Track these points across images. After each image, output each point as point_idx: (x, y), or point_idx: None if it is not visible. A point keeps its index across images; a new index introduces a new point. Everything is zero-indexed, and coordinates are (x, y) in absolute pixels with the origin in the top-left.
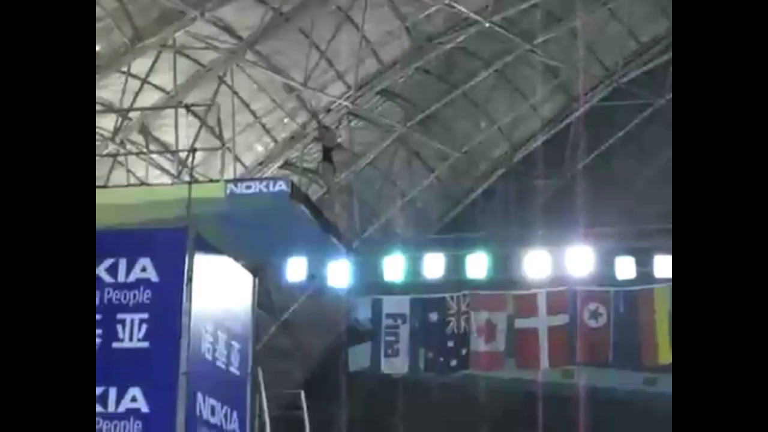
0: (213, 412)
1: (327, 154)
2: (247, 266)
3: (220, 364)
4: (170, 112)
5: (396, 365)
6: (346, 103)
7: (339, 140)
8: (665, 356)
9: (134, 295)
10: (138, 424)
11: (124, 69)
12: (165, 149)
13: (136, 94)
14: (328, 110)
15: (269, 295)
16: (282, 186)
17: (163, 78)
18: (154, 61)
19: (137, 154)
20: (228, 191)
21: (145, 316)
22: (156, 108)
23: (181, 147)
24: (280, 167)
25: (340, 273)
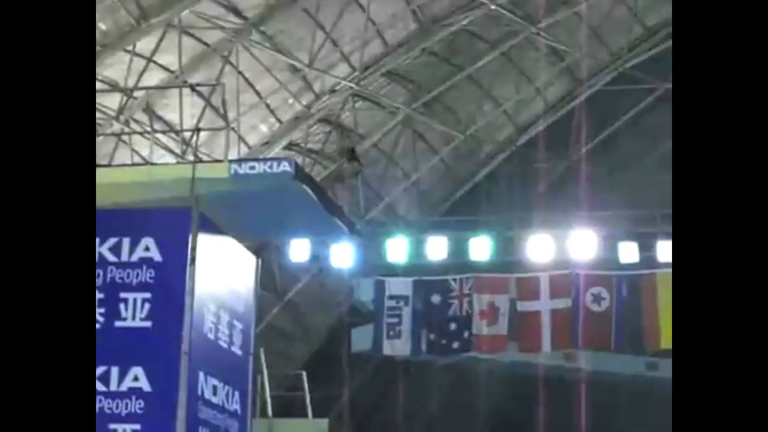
0: (215, 392)
1: (352, 155)
2: (250, 246)
3: (222, 343)
4: (175, 91)
5: (398, 347)
6: (351, 84)
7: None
8: (667, 341)
9: (137, 275)
10: (140, 403)
11: (130, 48)
12: (169, 129)
13: (141, 74)
14: (333, 91)
15: (272, 276)
16: (286, 166)
17: (169, 57)
18: (160, 41)
19: (142, 133)
20: (232, 171)
21: (148, 295)
22: (161, 87)
23: (185, 126)
24: (285, 148)
25: (343, 254)
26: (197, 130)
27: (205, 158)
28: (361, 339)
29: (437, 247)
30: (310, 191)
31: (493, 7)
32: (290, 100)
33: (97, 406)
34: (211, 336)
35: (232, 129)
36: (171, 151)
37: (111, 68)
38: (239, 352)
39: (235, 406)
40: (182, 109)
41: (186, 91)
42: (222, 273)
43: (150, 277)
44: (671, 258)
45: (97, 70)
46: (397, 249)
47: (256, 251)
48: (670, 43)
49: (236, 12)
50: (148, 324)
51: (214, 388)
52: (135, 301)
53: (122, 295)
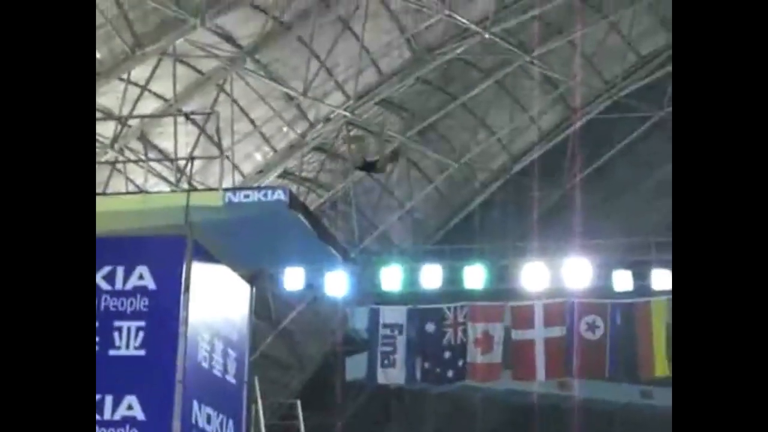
0: (209, 421)
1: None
2: (244, 275)
3: (216, 372)
4: (169, 119)
5: (392, 375)
6: (345, 113)
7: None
8: (662, 369)
9: (131, 303)
10: None
11: (124, 76)
12: (164, 157)
13: (136, 102)
14: (327, 119)
15: (267, 304)
16: (280, 195)
17: (163, 86)
18: (154, 69)
19: (136, 161)
20: (226, 200)
21: (142, 324)
22: (155, 116)
23: (179, 155)
24: (279, 176)
25: (337, 283)
26: (192, 158)
27: (199, 186)
28: (355, 367)
29: (432, 276)
30: (304, 220)
31: (487, 36)
32: (285, 129)
33: None
34: (205, 364)
35: (227, 157)
36: (165, 180)
37: (105, 96)
38: (233, 381)
39: None
40: (177, 138)
41: (180, 119)
42: (216, 301)
43: (144, 306)
44: (671, 284)
45: None
46: (391, 277)
47: (250, 279)
48: (664, 70)
49: (231, 40)
50: (142, 353)
51: (209, 416)
52: (129, 329)
53: (116, 323)
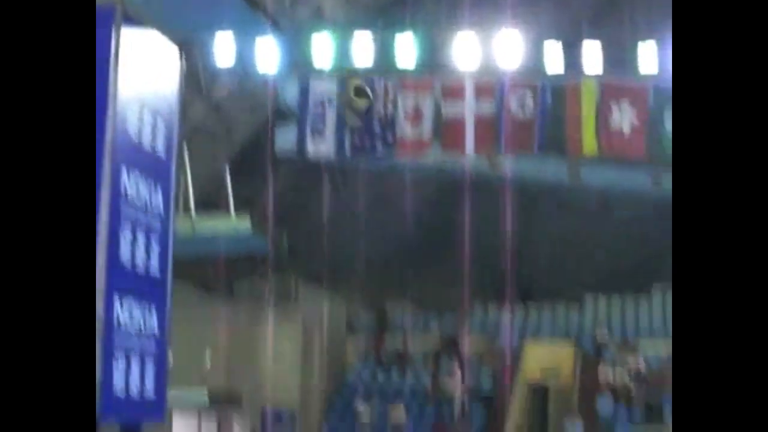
0: (138, 192)
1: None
2: (174, 43)
3: (146, 144)
4: None
5: (321, 149)
6: None
7: None
8: (590, 148)
9: None
10: None
11: None
12: None
13: None
14: None
15: (197, 76)
16: None
17: None
18: None
19: None
20: None
21: None
22: None
23: None
24: None
25: (268, 55)
26: None
27: None
28: (285, 141)
29: (363, 49)
30: None
31: None
32: None
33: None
34: (135, 137)
35: None
36: None
37: None
38: (163, 152)
39: (159, 206)
40: None
41: None
42: (146, 73)
43: None
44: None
45: None
46: (322, 50)
47: (180, 51)
48: None
49: None
50: None
51: (138, 187)
52: None
53: None
